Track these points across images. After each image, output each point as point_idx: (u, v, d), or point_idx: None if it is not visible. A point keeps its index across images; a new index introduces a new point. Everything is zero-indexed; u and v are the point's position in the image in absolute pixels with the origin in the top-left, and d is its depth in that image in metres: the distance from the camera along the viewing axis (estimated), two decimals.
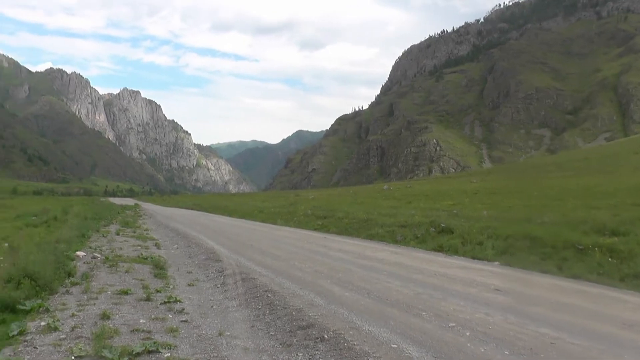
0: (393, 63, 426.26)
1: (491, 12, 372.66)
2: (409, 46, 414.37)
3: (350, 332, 7.89)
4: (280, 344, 7.82)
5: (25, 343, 7.72)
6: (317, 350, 7.38)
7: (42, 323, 8.68)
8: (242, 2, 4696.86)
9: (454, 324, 8.30)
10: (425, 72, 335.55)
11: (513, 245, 16.62)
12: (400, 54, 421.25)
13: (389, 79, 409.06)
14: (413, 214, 28.35)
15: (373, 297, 10.36)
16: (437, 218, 24.02)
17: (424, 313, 9.02)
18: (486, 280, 12.07)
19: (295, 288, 11.37)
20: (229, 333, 8.47)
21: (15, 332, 8.08)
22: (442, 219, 23.71)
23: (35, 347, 7.53)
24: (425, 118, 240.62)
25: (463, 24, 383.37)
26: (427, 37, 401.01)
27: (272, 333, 8.41)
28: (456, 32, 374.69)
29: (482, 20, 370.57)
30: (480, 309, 9.32)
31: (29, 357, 7.15)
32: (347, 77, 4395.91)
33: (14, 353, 7.28)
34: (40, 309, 9.55)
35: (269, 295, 10.77)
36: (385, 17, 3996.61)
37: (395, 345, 7.27)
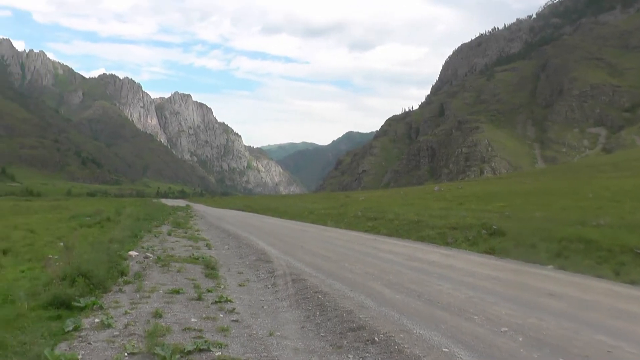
0: (443, 62, 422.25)
1: (544, 8, 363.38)
2: (459, 45, 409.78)
3: (401, 335, 7.85)
4: (331, 345, 7.82)
5: (80, 339, 7.90)
6: (367, 352, 7.35)
7: (96, 320, 8.88)
8: (291, 5, 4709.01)
9: (506, 329, 8.17)
10: (476, 70, 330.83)
11: (567, 248, 16.27)
12: (451, 53, 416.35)
13: (439, 78, 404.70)
14: (464, 215, 28.05)
15: (424, 299, 10.28)
16: (488, 220, 23.72)
17: (475, 317, 8.90)
18: (539, 284, 11.85)
19: (345, 289, 11.35)
20: (279, 333, 8.50)
21: (70, 328, 8.26)
22: (493, 220, 23.39)
23: (89, 343, 7.71)
24: (477, 118, 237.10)
25: (515, 20, 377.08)
26: (477, 35, 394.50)
27: (323, 334, 8.41)
28: (508, 29, 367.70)
29: (534, 16, 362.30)
30: (533, 313, 9.15)
31: (83, 352, 7.30)
32: (397, 77, 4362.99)
33: (69, 348, 7.45)
34: (94, 306, 9.76)
35: (320, 296, 10.79)
36: (435, 16, 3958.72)
37: (447, 349, 7.20)
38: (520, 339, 7.66)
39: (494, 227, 21.03)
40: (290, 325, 9.01)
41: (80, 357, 7.07)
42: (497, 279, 12.52)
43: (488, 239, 19.69)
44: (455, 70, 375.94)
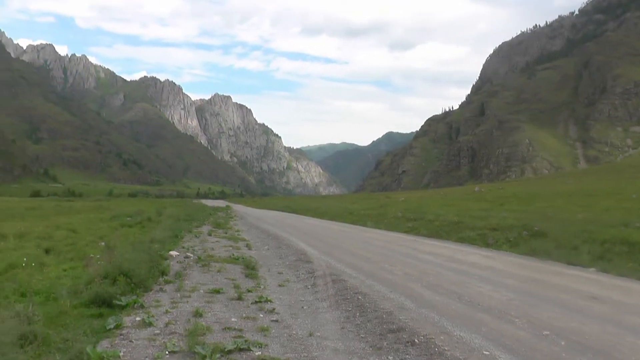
0: (484, 61, 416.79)
1: (586, 4, 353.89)
2: (500, 43, 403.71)
3: (441, 337, 7.80)
4: (371, 347, 7.80)
5: (121, 336, 8.04)
6: (407, 354, 7.33)
7: (137, 318, 9.02)
8: (331, 5, 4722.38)
9: (548, 332, 8.06)
10: (516, 69, 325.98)
11: (610, 250, 16.00)
12: (491, 52, 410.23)
13: (479, 77, 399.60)
14: (505, 216, 27.77)
15: (464, 301, 10.20)
16: (529, 221, 23.44)
17: (516, 320, 8.81)
18: (581, 287, 11.68)
19: (385, 291, 11.32)
20: (319, 334, 8.51)
21: (112, 326, 8.41)
22: (535, 222, 23.10)
23: (130, 341, 7.83)
24: (517, 117, 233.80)
25: (557, 17, 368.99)
26: (518, 33, 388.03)
27: (363, 335, 8.39)
28: (549, 26, 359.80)
29: (576, 12, 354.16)
30: (576, 317, 9.02)
31: (124, 350, 7.42)
32: (437, 77, 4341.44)
33: (111, 345, 7.58)
34: (135, 304, 9.93)
35: (359, 297, 10.78)
36: (476, 15, 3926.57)
37: (488, 352, 7.14)
38: (563, 343, 7.56)
39: (535, 228, 20.78)
40: (330, 326, 9.01)
41: (121, 354, 7.19)
42: (539, 281, 12.37)
43: (529, 241, 19.47)
44: (495, 69, 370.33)
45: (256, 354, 7.40)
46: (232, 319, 9.32)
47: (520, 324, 8.56)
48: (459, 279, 12.67)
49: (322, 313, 10.00)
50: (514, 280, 12.45)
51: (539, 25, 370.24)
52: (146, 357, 7.18)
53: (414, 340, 7.72)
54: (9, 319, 7.82)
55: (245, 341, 7.79)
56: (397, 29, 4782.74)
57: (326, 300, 11.02)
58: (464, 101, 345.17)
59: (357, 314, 9.64)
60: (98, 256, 14.39)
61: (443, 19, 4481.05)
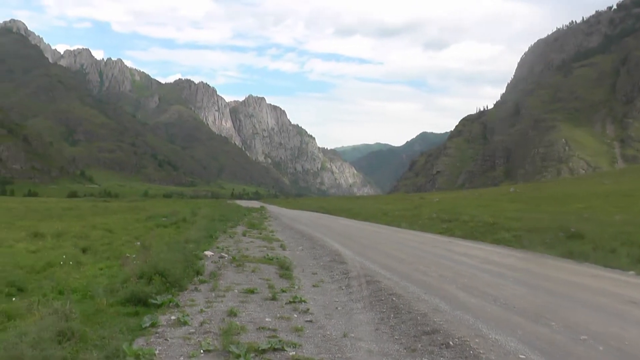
0: (519, 59, 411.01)
1: None
2: (535, 41, 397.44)
3: (476, 340, 7.73)
4: (405, 349, 7.76)
5: (157, 335, 8.16)
6: (442, 356, 7.28)
7: (173, 317, 9.14)
8: (365, 6, 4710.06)
9: (585, 337, 7.91)
10: (552, 67, 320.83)
11: None
12: (526, 50, 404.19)
13: (514, 76, 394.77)
14: (541, 217, 27.44)
15: (499, 304, 10.10)
16: (566, 222, 23.14)
17: (553, 323, 8.67)
18: (620, 291, 11.48)
19: (419, 292, 11.26)
20: (353, 335, 8.49)
21: (148, 324, 8.54)
22: (571, 223, 22.79)
23: (166, 339, 7.94)
24: (553, 116, 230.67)
25: (594, 13, 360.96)
26: (554, 29, 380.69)
27: (397, 337, 8.35)
28: (586, 22, 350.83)
29: (614, 7, 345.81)
30: (614, 321, 8.85)
31: (160, 348, 7.52)
32: (472, 76, 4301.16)
33: (147, 343, 7.70)
34: (171, 304, 10.07)
35: (394, 298, 10.73)
36: (511, 12, 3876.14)
37: (523, 356, 7.06)
38: (601, 349, 7.43)
39: (572, 229, 20.50)
40: (364, 327, 8.98)
41: (157, 352, 7.29)
42: (576, 284, 12.19)
43: (566, 242, 19.19)
44: (531, 67, 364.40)
45: (290, 354, 7.43)
46: (266, 319, 9.37)
47: (556, 327, 8.44)
48: (494, 281, 12.56)
49: (356, 314, 9.97)
50: (550, 283, 12.30)
51: (576, 22, 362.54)
52: (181, 355, 7.27)
53: (449, 343, 7.66)
54: (48, 316, 8.02)
55: (279, 341, 7.82)
56: (431, 28, 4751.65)
57: (360, 302, 10.99)
58: (499, 100, 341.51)
59: (392, 315, 9.60)
60: (134, 256, 14.59)
61: (478, 17, 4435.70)
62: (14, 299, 10.35)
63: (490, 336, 7.91)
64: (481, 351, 7.22)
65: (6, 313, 8.97)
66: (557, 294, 11.07)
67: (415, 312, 9.46)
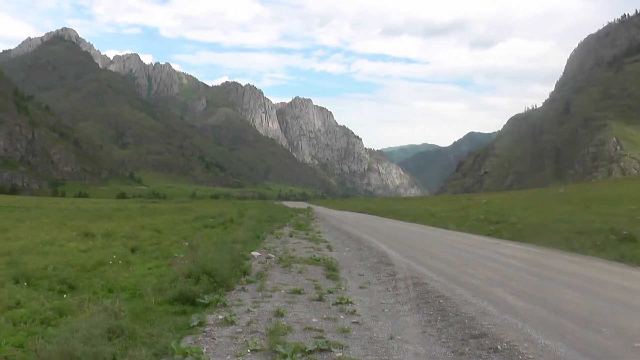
0: (568, 56, 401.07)
1: None
2: (585, 36, 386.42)
3: (525, 345, 7.61)
4: (452, 352, 7.70)
5: (204, 334, 8.30)
6: None
7: (220, 316, 9.27)
8: (411, 5, 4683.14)
9: (639, 345, 7.68)
10: (603, 63, 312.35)
11: None
12: (576, 46, 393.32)
13: (563, 73, 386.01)
14: (591, 219, 26.89)
15: (549, 308, 9.93)
16: (618, 224, 22.63)
17: (604, 329, 8.47)
18: None
19: (467, 295, 11.16)
20: (400, 337, 8.47)
21: (195, 323, 8.69)
22: (624, 225, 22.29)
23: (213, 338, 8.07)
24: (604, 114, 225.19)
25: None
26: (605, 24, 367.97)
27: (444, 340, 8.30)
28: (639, 15, 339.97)
29: None
30: None
31: (207, 346, 7.65)
32: (520, 74, 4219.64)
33: (194, 342, 7.84)
34: (218, 303, 10.22)
35: (441, 301, 10.66)
36: (561, 7, 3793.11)
37: None
38: None
39: (624, 232, 20.03)
40: (411, 330, 8.96)
41: (204, 351, 7.41)
42: (629, 290, 11.89)
43: (618, 246, 18.75)
44: (581, 63, 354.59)
45: (337, 355, 7.45)
46: (313, 320, 9.42)
47: (608, 333, 8.24)
48: (543, 285, 12.38)
49: (403, 316, 9.94)
50: (601, 288, 12.02)
51: (628, 15, 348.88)
52: (228, 354, 7.37)
53: (497, 347, 7.57)
54: (98, 313, 8.26)
55: (326, 342, 7.85)
56: (478, 27, 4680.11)
57: (407, 304, 10.95)
58: (548, 99, 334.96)
59: (439, 318, 9.54)
60: (182, 256, 14.80)
61: (526, 13, 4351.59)
62: (65, 296, 10.63)
63: (540, 341, 7.79)
64: (530, 356, 7.12)
65: (58, 309, 9.25)
66: (609, 298, 10.82)
67: (463, 315, 9.38)
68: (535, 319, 9.09)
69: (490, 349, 7.56)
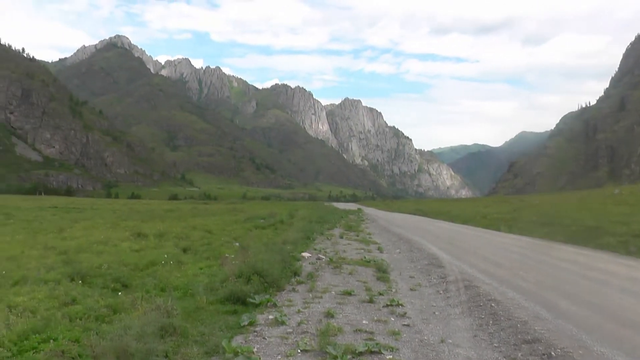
0: (624, 50, 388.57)
1: None
2: None
3: (580, 352, 7.48)
4: (505, 357, 7.61)
5: (255, 333, 8.42)
6: None
7: (270, 316, 9.40)
8: (460, 3, 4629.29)
9: None
10: None
11: None
12: (633, 39, 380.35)
13: (619, 69, 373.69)
14: None
15: (604, 314, 9.73)
16: None
17: None
18: None
19: (519, 299, 11.01)
20: (451, 341, 8.42)
21: (246, 323, 8.83)
22: None
23: (264, 338, 8.18)
24: None
25: None
26: None
27: (496, 344, 8.21)
28: None
29: None
30: None
31: (258, 346, 7.76)
32: (574, 71, 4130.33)
33: (245, 341, 7.98)
34: (269, 303, 10.36)
35: (492, 304, 10.53)
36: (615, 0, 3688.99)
37: None
38: None
39: None
40: (462, 333, 8.88)
41: (255, 350, 7.52)
42: None
43: None
44: (637, 58, 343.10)
45: (387, 357, 7.46)
46: (363, 321, 9.43)
47: None
48: (598, 289, 12.11)
49: (454, 319, 9.87)
50: None
51: None
52: (279, 354, 7.46)
53: (551, 353, 7.45)
54: (151, 311, 8.47)
55: (377, 344, 7.87)
56: (529, 23, 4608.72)
57: (458, 307, 10.87)
58: (602, 95, 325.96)
59: (490, 321, 9.43)
60: (232, 256, 15.01)
61: (579, 8, 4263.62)
62: (119, 294, 10.95)
63: (595, 348, 7.63)
64: None
65: (112, 307, 9.60)
66: None
67: (515, 320, 9.27)
68: (590, 324, 8.92)
69: (544, 355, 7.45)
